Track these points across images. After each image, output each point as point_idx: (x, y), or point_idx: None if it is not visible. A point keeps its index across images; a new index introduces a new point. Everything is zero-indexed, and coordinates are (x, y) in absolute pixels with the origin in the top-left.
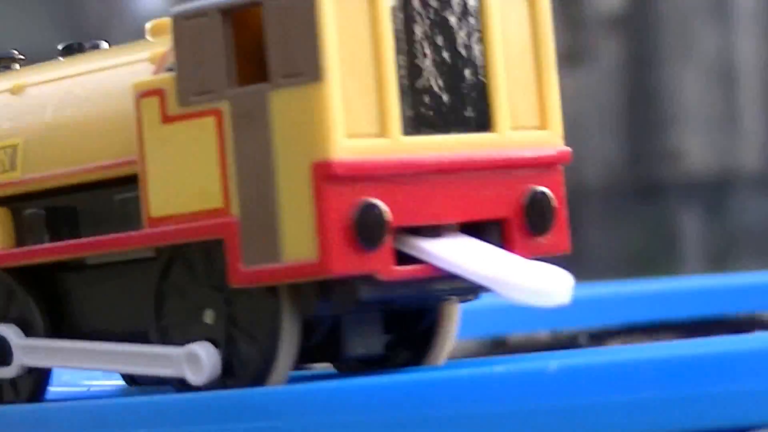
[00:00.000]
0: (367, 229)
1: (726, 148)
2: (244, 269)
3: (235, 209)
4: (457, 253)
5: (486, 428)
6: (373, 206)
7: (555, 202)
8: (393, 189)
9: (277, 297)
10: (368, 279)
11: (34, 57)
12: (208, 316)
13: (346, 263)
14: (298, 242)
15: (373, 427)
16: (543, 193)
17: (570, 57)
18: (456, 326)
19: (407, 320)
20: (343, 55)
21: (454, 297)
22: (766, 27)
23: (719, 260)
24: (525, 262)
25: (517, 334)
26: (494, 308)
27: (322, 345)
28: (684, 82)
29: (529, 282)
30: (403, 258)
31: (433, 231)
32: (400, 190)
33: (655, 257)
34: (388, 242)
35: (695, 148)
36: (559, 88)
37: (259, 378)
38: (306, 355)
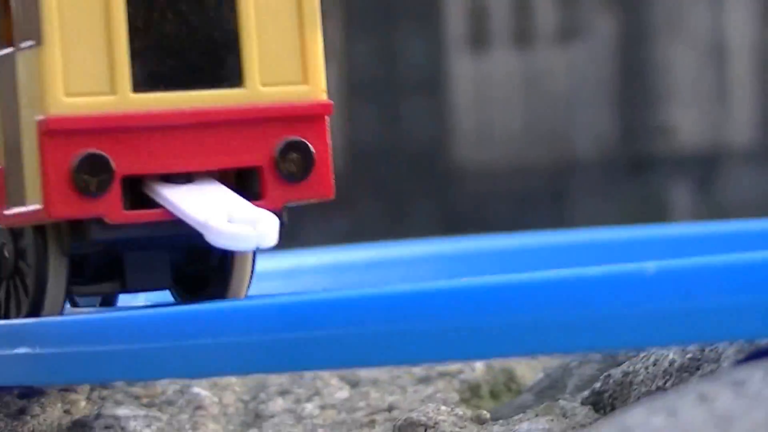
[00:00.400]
0: (86, 177)
1: (717, 122)
2: (6, 212)
3: (2, 159)
4: (185, 199)
5: (571, 335)
6: (93, 156)
7: (312, 151)
8: (120, 141)
9: (45, 237)
10: (100, 222)
11: None
12: (6, 251)
13: (67, 209)
14: (34, 190)
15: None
16: (297, 142)
17: (563, 33)
18: (249, 262)
19: (200, 258)
20: (68, 18)
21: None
22: (758, 3)
23: None
24: (239, 208)
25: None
26: (503, 251)
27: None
28: (676, 57)
29: (229, 227)
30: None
31: (186, 179)
32: (128, 142)
33: None
34: (116, 188)
35: (686, 122)
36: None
37: (33, 310)
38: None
